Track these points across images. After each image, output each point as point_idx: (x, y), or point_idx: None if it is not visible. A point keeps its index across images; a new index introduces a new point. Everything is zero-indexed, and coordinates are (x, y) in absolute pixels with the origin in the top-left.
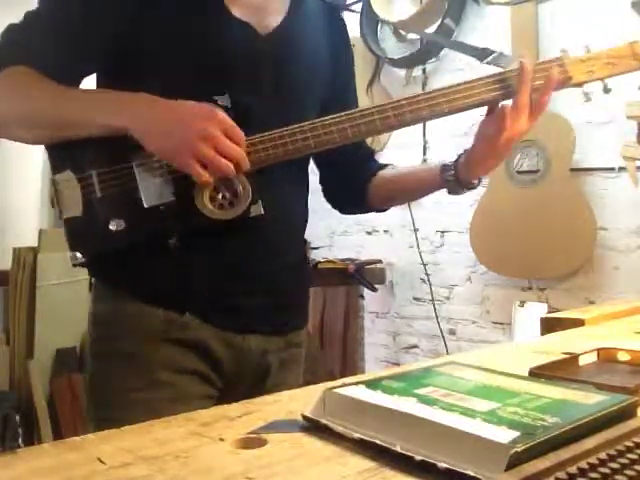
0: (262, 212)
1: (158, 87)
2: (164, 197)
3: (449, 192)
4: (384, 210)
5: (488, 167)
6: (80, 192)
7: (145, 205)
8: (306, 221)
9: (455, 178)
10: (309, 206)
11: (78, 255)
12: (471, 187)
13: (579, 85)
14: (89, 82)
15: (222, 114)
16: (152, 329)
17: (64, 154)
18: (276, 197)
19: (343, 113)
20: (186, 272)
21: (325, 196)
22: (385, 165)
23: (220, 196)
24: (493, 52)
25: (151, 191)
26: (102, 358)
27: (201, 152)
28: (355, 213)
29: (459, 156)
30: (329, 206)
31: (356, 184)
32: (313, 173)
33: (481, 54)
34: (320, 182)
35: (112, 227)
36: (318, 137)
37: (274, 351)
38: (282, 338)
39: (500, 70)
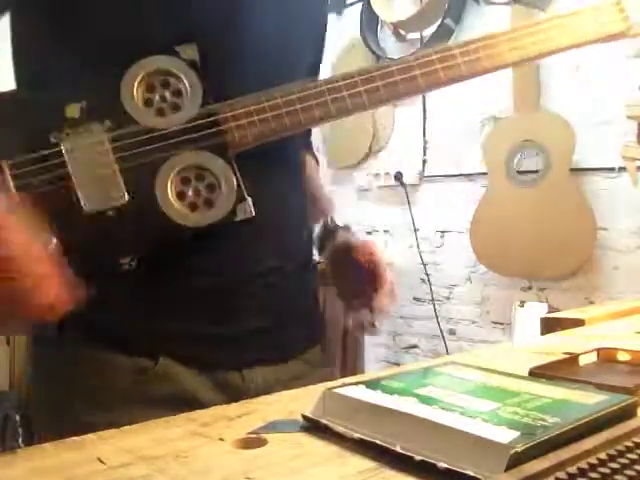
0: (253, 214)
1: (94, 40)
2: (113, 198)
3: None
4: None
5: None
6: None
7: (85, 210)
8: (306, 220)
9: None
10: None
11: None
12: None
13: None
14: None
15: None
16: (116, 387)
17: None
18: (267, 190)
19: (352, 72)
20: (150, 302)
21: None
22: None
23: (191, 192)
24: None
25: (94, 189)
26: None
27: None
28: None
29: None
30: None
31: None
32: None
33: None
34: None
35: None
36: (324, 106)
37: (284, 382)
38: (295, 362)
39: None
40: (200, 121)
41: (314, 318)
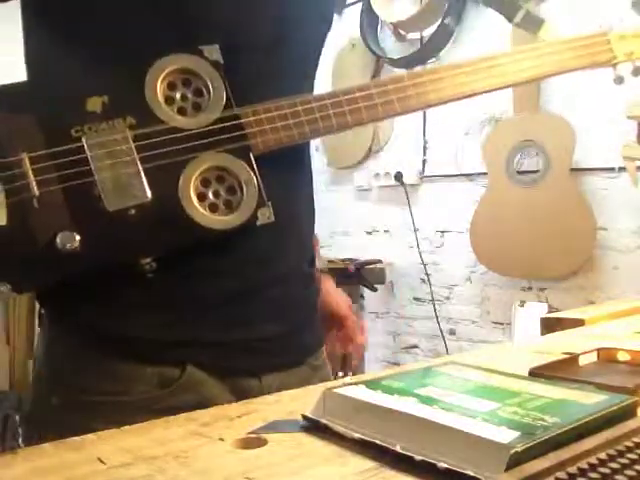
0: (272, 219)
1: (112, 35)
2: (136, 196)
3: None
4: None
5: None
6: (3, 187)
7: (108, 208)
8: (314, 223)
9: None
10: None
11: (2, 288)
12: None
13: (614, 65)
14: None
15: None
16: (136, 399)
17: None
18: (284, 194)
19: (369, 84)
20: (171, 305)
21: None
22: None
23: (212, 194)
24: (520, 7)
25: (116, 187)
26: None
27: None
28: None
29: None
30: (329, 205)
31: None
32: None
33: (509, 10)
34: None
35: (61, 244)
36: (342, 116)
37: (296, 384)
38: (305, 366)
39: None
40: (224, 124)
41: (319, 319)
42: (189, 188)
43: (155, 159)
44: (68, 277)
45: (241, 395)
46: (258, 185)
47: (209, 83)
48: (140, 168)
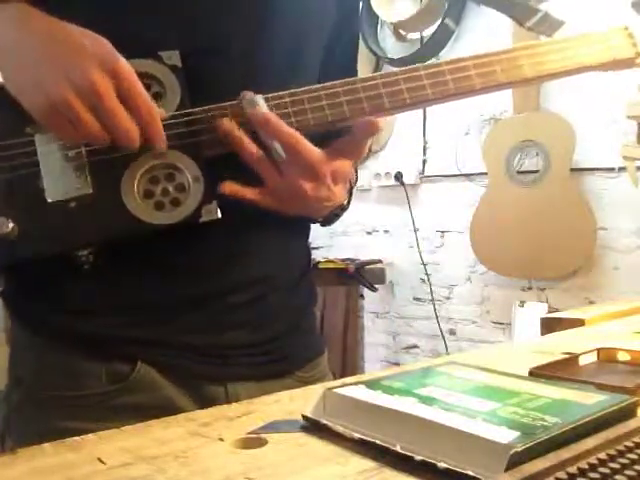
0: (218, 216)
1: None
2: (77, 189)
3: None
4: None
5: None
6: None
7: (48, 199)
8: (303, 225)
9: None
10: None
11: None
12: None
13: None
14: None
15: (126, 65)
16: (88, 394)
17: None
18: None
19: (336, 84)
20: (129, 307)
21: None
22: None
23: (159, 190)
24: (538, 11)
25: (59, 180)
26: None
27: (69, 110)
28: None
29: None
30: None
31: None
32: None
33: (522, 13)
34: None
35: None
36: (302, 114)
37: None
38: (283, 381)
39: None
40: (174, 120)
41: (315, 329)
42: (133, 183)
43: (102, 153)
44: (5, 264)
45: (203, 401)
46: (205, 182)
47: (165, 86)
48: (85, 161)
